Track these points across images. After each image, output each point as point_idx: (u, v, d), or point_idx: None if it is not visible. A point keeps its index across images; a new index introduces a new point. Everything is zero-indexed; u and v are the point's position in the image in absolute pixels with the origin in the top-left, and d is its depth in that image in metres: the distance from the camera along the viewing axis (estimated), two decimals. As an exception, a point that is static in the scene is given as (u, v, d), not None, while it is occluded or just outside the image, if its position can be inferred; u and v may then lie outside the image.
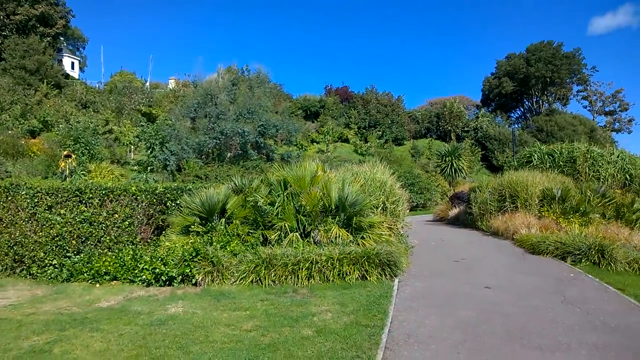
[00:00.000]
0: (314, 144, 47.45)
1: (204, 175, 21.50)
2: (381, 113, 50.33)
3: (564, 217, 12.96)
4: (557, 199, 13.50)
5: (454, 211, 20.83)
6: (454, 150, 30.09)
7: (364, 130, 49.99)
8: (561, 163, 16.39)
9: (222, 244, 8.48)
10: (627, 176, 15.79)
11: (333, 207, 9.96)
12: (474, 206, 16.08)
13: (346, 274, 7.94)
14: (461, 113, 50.56)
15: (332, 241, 9.16)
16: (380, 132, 49.21)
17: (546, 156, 16.93)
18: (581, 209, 13.04)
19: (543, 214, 13.44)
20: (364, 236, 9.66)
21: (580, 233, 10.81)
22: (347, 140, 49.08)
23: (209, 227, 9.04)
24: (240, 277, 7.69)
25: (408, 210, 14.57)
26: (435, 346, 5.00)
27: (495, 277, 8.15)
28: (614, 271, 8.30)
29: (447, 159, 29.63)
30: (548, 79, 47.78)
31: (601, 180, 15.69)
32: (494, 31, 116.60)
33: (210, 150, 26.37)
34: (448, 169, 29.42)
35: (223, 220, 9.47)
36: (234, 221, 9.39)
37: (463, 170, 30.09)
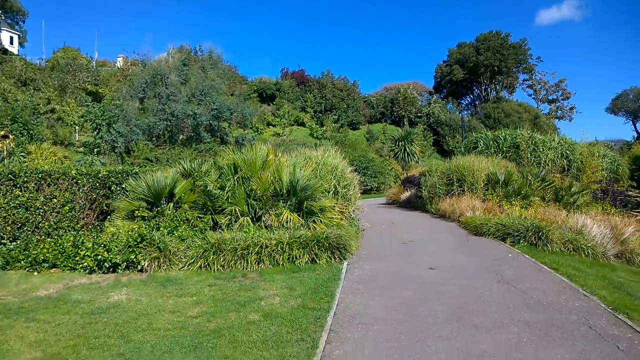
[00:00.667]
0: (270, 127, 46.96)
1: (155, 158, 20.75)
2: (337, 97, 50.41)
3: (506, 200, 13.52)
4: (500, 183, 14.06)
5: (406, 194, 21.30)
6: (407, 135, 30.62)
7: (320, 114, 49.95)
8: (505, 149, 17.06)
9: (169, 229, 8.22)
10: (566, 161, 16.66)
11: (284, 191, 9.89)
12: (424, 190, 16.46)
13: (296, 257, 7.93)
14: (414, 99, 51.48)
15: (283, 225, 9.11)
16: (336, 117, 49.34)
17: (491, 142, 17.56)
18: (522, 192, 13.65)
19: (488, 197, 13.96)
20: (315, 220, 9.67)
21: (520, 215, 11.30)
22: (303, 124, 48.90)
23: (156, 212, 8.74)
24: (188, 263, 7.51)
25: (360, 194, 14.75)
26: (378, 327, 5.09)
27: (439, 258, 8.39)
28: (549, 251, 8.73)
29: (400, 143, 30.12)
30: (496, 68, 49.49)
31: (542, 165, 16.47)
32: (447, 19, 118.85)
33: (161, 132, 25.43)
34: (401, 153, 29.94)
35: (171, 204, 9.18)
36: (183, 206, 9.13)
37: (415, 155, 30.71)
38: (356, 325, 5.15)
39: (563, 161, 16.38)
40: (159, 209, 8.83)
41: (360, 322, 5.24)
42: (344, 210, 11.91)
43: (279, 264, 7.78)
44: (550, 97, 54.14)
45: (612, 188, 14.43)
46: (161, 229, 8.16)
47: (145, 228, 8.01)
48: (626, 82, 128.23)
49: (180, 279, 6.98)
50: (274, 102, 50.61)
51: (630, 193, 13.72)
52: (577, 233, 9.37)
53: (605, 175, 16.63)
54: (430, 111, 48.35)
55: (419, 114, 50.02)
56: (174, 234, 8.12)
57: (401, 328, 5.05)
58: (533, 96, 54.14)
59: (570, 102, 58.87)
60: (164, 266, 7.42)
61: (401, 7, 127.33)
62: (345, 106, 50.08)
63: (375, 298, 6.13)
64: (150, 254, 7.40)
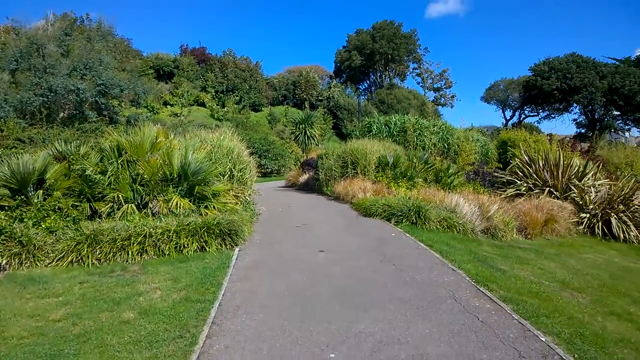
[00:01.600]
0: (168, 106, 44.09)
1: (28, 139, 18.25)
2: (239, 78, 48.89)
3: (394, 181, 14.25)
4: (390, 165, 14.76)
5: (304, 177, 21.47)
6: (307, 117, 30.80)
7: (222, 95, 48.11)
8: (395, 133, 17.94)
9: (35, 220, 7.24)
10: (446, 145, 18.03)
11: (175, 176, 9.32)
12: (321, 172, 16.70)
13: (184, 246, 7.52)
14: (316, 82, 51.96)
15: (172, 212, 8.60)
16: (238, 97, 47.91)
17: (383, 126, 18.34)
18: (408, 174, 14.49)
19: (378, 179, 14.58)
20: (208, 205, 9.29)
21: (405, 196, 11.96)
22: (203, 104, 46.68)
23: (20, 201, 7.64)
24: (57, 258, 6.69)
25: (260, 177, 14.51)
26: (263, 315, 4.99)
27: (330, 240, 8.55)
28: (427, 229, 9.36)
29: (301, 126, 30.22)
30: (390, 56, 51.89)
31: (426, 148, 17.64)
32: (348, 5, 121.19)
33: (36, 109, 22.40)
34: (302, 136, 30.08)
35: (40, 192, 8.10)
36: (55, 193, 8.12)
37: (315, 138, 31.08)
38: (241, 315, 4.99)
39: (443, 145, 17.71)
40: (23, 197, 7.73)
41: (245, 312, 5.09)
42: (239, 195, 11.61)
43: (165, 254, 7.32)
44: (435, 86, 58.45)
45: (482, 170, 15.94)
46: (25, 220, 7.16)
47: (5, 220, 6.97)
48: (498, 73, 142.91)
49: (46, 277, 6.19)
50: (172, 80, 47.45)
51: (497, 174, 15.28)
52: (451, 211, 10.16)
53: (478, 158, 18.36)
54: (330, 95, 49.25)
55: (319, 98, 50.65)
56: (40, 225, 7.18)
57: (286, 314, 5.01)
58: (421, 84, 58.05)
59: (452, 90, 64.24)
60: (26, 263, 6.53)
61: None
62: (247, 87, 48.80)
63: (263, 284, 6.02)
64: (9, 250, 6.47)
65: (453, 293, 5.54)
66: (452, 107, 60.83)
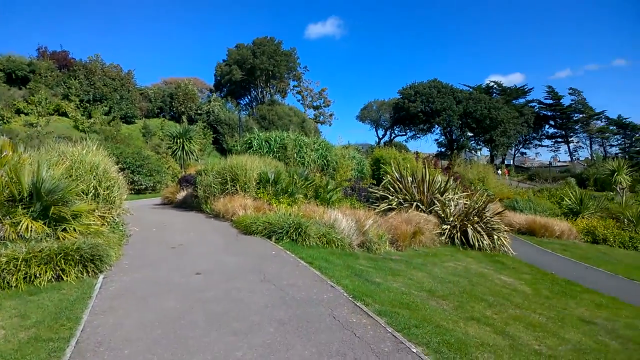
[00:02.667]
0: (21, 115, 38.54)
1: None
2: (109, 87, 44.90)
3: (275, 198, 14.21)
4: (271, 181, 14.70)
5: (182, 194, 20.33)
6: (185, 131, 29.52)
7: (88, 104, 43.61)
8: (275, 149, 18.01)
9: None
10: (325, 161, 18.64)
11: (25, 195, 8.01)
12: (200, 189, 15.97)
13: (35, 276, 6.42)
14: (195, 95, 50.16)
15: (22, 237, 7.34)
16: (107, 108, 43.89)
17: (264, 142, 18.30)
18: (289, 190, 14.59)
19: (259, 195, 14.41)
20: (67, 228, 8.14)
21: (286, 212, 11.97)
22: (65, 114, 41.74)
23: None
24: None
25: (133, 194, 13.27)
26: (128, 350, 4.42)
27: (207, 261, 8.09)
28: (307, 246, 9.43)
29: (178, 140, 28.85)
30: (270, 72, 52.60)
31: (306, 164, 18.01)
32: (228, 19, 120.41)
33: None
34: (179, 151, 28.72)
35: None
36: None
37: (194, 153, 29.90)
38: (102, 353, 4.36)
39: (323, 161, 18.28)
40: None
41: (108, 348, 4.47)
42: (106, 215, 10.44)
43: (12, 286, 6.16)
44: (315, 104, 60.87)
45: (358, 185, 16.79)
46: None
47: None
48: (372, 94, 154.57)
49: None
50: (28, 86, 41.60)
51: (371, 189, 16.21)
52: (330, 227, 10.41)
53: (354, 174, 19.33)
54: (211, 109, 47.87)
55: (199, 111, 48.91)
56: None
57: (156, 347, 4.51)
58: (301, 102, 59.96)
59: (330, 109, 67.64)
60: None
61: (181, 3, 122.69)
62: (118, 97, 45.01)
63: (131, 315, 5.38)
64: None
65: (332, 310, 5.57)
66: (330, 125, 63.88)
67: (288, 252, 8.72)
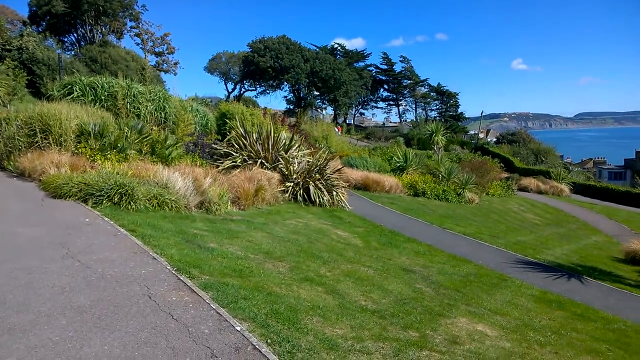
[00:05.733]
0: None
1: None
2: None
3: (101, 154, 12.19)
4: (93, 134, 12.52)
5: (-21, 147, 16.29)
6: (-14, 71, 23.61)
7: None
8: (103, 97, 15.43)
9: None
10: (163, 114, 16.73)
11: None
12: (1, 142, 12.85)
13: None
14: (1, 27, 40.45)
15: None
16: None
17: (88, 89, 15.50)
18: (119, 145, 12.65)
19: (80, 150, 12.19)
20: None
21: (112, 171, 10.28)
22: None
23: None
24: None
25: None
26: None
27: (-6, 235, 6.30)
28: (134, 210, 8.11)
29: (-27, 80, 22.95)
30: (101, 7, 44.92)
31: (142, 117, 15.91)
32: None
33: None
34: (-25, 94, 22.94)
35: None
36: None
37: (0, 97, 24.30)
38: None
39: (160, 114, 16.38)
40: None
41: None
42: None
43: None
44: (156, 49, 54.69)
45: (202, 141, 15.55)
46: None
47: None
48: (221, 45, 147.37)
49: None
50: None
51: (215, 145, 15.17)
52: (163, 187, 9.23)
53: (198, 129, 17.89)
54: (24, 45, 39.18)
55: (7, 47, 39.66)
56: None
57: None
58: (141, 46, 53.16)
59: (175, 57, 61.95)
60: None
61: None
62: None
63: None
64: None
65: (148, 289, 4.68)
66: (175, 75, 58.52)
67: (106, 219, 7.30)
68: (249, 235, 8.01)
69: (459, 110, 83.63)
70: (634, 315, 7.62)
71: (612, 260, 13.04)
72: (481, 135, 76.99)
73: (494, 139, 73.99)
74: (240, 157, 14.04)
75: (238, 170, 12.83)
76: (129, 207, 8.15)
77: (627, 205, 33.09)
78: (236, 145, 14.64)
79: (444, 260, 9.29)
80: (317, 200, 12.84)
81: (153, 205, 8.60)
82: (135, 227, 6.93)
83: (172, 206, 8.82)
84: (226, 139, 15.94)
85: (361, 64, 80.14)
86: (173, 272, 5.21)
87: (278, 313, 4.54)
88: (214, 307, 4.36)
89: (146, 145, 13.78)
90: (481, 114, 73.80)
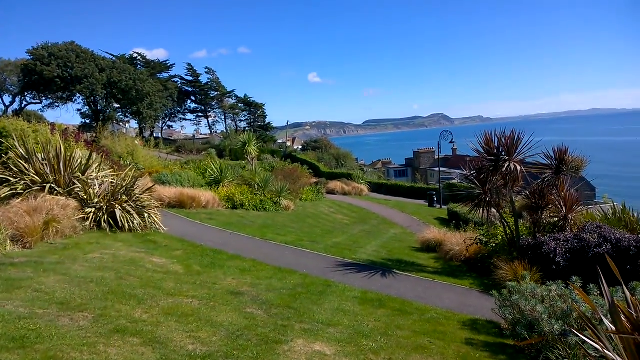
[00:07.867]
0: None
1: None
2: None
3: None
4: None
5: None
6: None
7: None
8: None
9: None
10: None
11: None
12: None
13: None
14: None
15: None
16: None
17: None
18: None
19: None
20: None
21: None
22: None
23: None
24: None
25: None
26: None
27: None
28: None
29: None
30: None
31: None
32: None
33: None
34: None
35: None
36: None
37: None
38: None
39: None
40: None
41: None
42: None
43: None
44: None
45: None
46: None
47: None
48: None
49: None
50: None
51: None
52: None
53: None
54: None
55: None
56: None
57: None
58: None
59: None
60: None
61: None
62: None
63: None
64: None
65: None
66: None
67: None
68: (36, 281, 6.49)
69: (267, 120, 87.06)
70: (440, 302, 8.56)
71: (412, 250, 14.90)
72: (289, 144, 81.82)
73: (300, 147, 79.47)
74: (22, 182, 11.56)
75: (20, 199, 10.53)
76: None
77: (412, 198, 39.60)
78: (15, 169, 12.00)
79: (270, 275, 9.23)
80: (126, 225, 11.46)
81: None
82: None
83: None
84: (0, 161, 12.94)
85: (165, 74, 76.47)
86: None
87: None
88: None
89: None
90: (287, 123, 78.65)
